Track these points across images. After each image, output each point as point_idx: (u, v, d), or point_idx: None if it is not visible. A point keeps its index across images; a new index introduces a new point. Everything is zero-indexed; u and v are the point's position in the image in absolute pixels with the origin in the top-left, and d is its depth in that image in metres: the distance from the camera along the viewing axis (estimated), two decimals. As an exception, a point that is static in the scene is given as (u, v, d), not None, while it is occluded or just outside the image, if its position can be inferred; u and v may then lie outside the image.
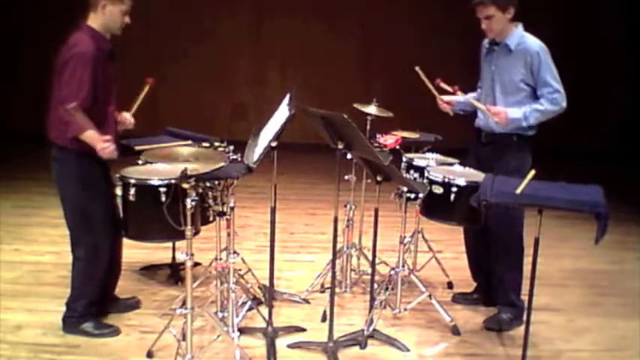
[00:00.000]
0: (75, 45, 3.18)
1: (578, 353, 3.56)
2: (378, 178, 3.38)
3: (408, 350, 3.48)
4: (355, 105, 4.11)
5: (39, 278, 4.20)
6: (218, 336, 3.28)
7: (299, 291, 4.14)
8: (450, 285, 4.36)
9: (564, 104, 3.50)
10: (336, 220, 3.27)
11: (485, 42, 3.74)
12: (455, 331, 3.68)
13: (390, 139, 3.93)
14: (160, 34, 8.67)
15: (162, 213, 3.07)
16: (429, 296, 3.79)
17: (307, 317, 3.82)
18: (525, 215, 3.56)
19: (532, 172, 3.00)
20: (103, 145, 3.14)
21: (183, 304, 3.06)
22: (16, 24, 8.44)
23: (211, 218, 3.58)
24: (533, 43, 3.51)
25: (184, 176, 2.91)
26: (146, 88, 3.56)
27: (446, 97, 3.91)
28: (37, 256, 4.57)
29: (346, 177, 4.09)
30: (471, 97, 3.88)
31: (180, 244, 4.12)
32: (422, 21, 8.83)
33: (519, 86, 3.55)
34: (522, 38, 3.54)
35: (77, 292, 3.43)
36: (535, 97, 3.55)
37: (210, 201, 3.31)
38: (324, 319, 3.72)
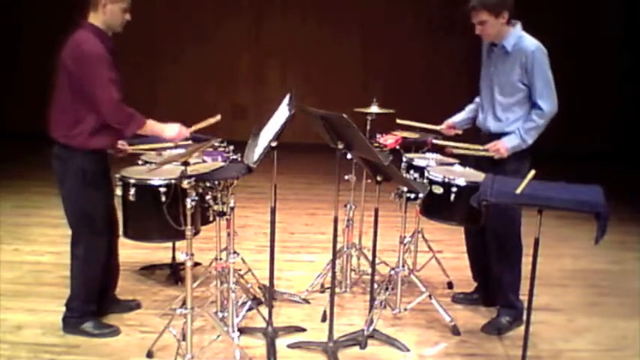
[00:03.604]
0: (82, 43, 3.14)
1: (578, 353, 3.56)
2: (378, 178, 3.38)
3: (408, 350, 3.48)
4: (357, 109, 4.10)
5: (39, 278, 4.20)
6: (218, 336, 3.28)
7: (299, 291, 4.14)
8: (450, 285, 4.36)
9: (554, 110, 3.49)
10: (336, 220, 3.27)
11: (486, 42, 3.72)
12: (455, 331, 3.68)
13: (390, 139, 3.93)
14: (159, 34, 8.67)
15: (162, 213, 3.08)
16: (429, 296, 3.79)
17: (307, 317, 3.82)
18: (525, 215, 3.56)
19: (532, 172, 3.00)
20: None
21: (183, 304, 3.06)
22: (16, 24, 8.45)
23: (211, 218, 3.58)
24: (530, 43, 3.48)
25: (184, 176, 2.91)
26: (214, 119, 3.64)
27: (444, 125, 4.00)
28: (37, 256, 4.57)
29: (346, 177, 4.08)
30: (468, 112, 3.95)
31: (180, 244, 4.12)
32: (422, 21, 8.84)
33: (517, 86, 3.53)
34: (520, 38, 3.51)
35: (76, 291, 3.43)
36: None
37: (210, 201, 3.31)
38: (324, 319, 3.72)
